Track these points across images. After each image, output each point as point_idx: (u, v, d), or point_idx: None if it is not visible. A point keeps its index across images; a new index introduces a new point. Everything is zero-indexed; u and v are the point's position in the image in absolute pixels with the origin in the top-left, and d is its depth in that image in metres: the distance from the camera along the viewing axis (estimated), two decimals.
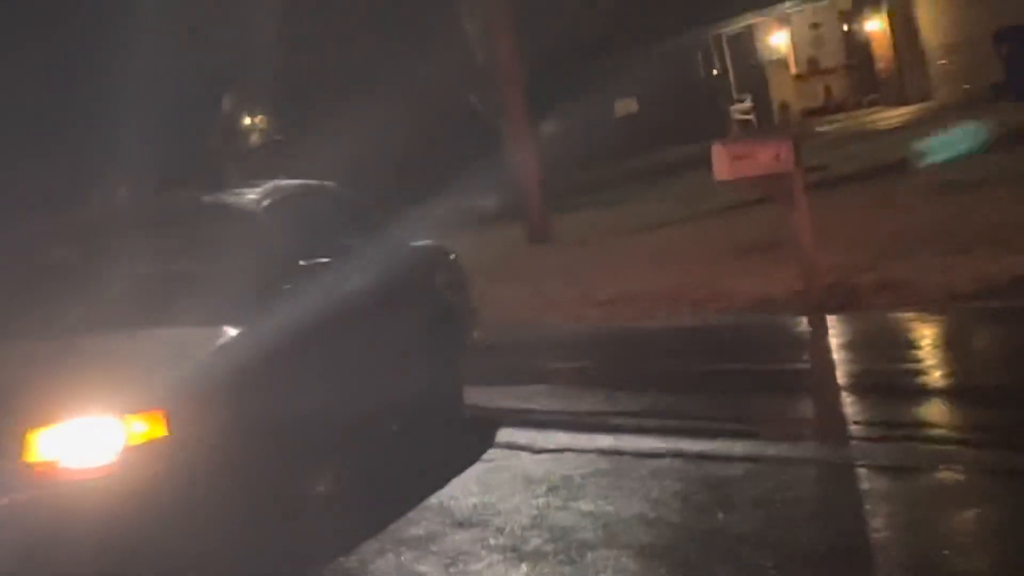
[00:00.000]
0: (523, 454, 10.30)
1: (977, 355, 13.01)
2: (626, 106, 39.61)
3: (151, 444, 7.74)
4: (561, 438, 10.69)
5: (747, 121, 41.52)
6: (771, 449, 9.98)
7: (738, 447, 10.01)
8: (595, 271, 19.02)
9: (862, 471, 9.22)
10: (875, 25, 40.79)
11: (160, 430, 7.73)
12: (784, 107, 42.15)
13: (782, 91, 42.67)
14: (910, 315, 14.21)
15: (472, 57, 29.56)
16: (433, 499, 9.24)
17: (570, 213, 29.04)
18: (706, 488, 9.06)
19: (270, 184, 11.67)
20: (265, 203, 10.85)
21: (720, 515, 8.29)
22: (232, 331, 8.82)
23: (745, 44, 44.70)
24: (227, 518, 8.25)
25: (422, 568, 8.06)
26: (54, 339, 8.98)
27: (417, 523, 8.86)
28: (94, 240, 10.89)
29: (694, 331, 15.54)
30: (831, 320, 14.35)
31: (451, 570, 7.83)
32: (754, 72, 43.96)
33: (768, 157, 16.51)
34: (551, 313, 17.44)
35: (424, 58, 35.22)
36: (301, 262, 9.89)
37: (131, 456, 7.65)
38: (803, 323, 14.64)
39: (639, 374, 13.48)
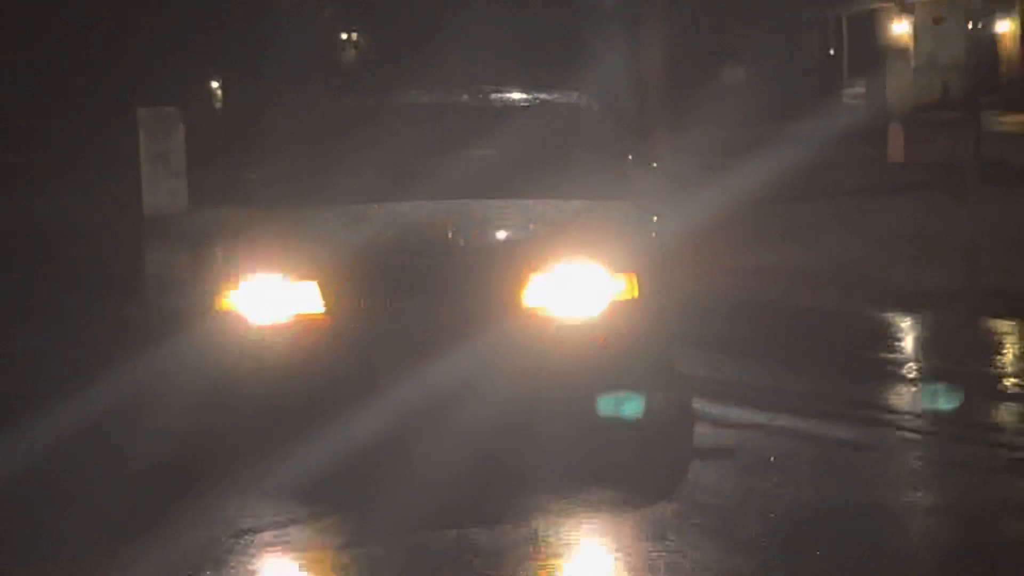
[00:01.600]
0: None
1: None
2: (734, 74, 38.96)
3: (625, 302, 8.86)
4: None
5: (856, 102, 41.16)
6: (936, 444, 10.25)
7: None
8: (725, 240, 17.88)
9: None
10: (1004, 27, 40.41)
11: (635, 287, 8.87)
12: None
13: (897, 82, 42.17)
14: None
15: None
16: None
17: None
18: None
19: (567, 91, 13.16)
20: (591, 103, 12.17)
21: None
22: (649, 210, 10.24)
23: (865, 28, 44.36)
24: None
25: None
26: (501, 200, 10.08)
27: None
28: (461, 120, 11.33)
29: (839, 315, 15.34)
30: (987, 322, 14.19)
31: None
32: (871, 58, 43.58)
33: (949, 143, 15.99)
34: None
35: None
36: (629, 156, 11.27)
37: (613, 304, 8.83)
38: (959, 322, 14.32)
39: (798, 352, 13.08)
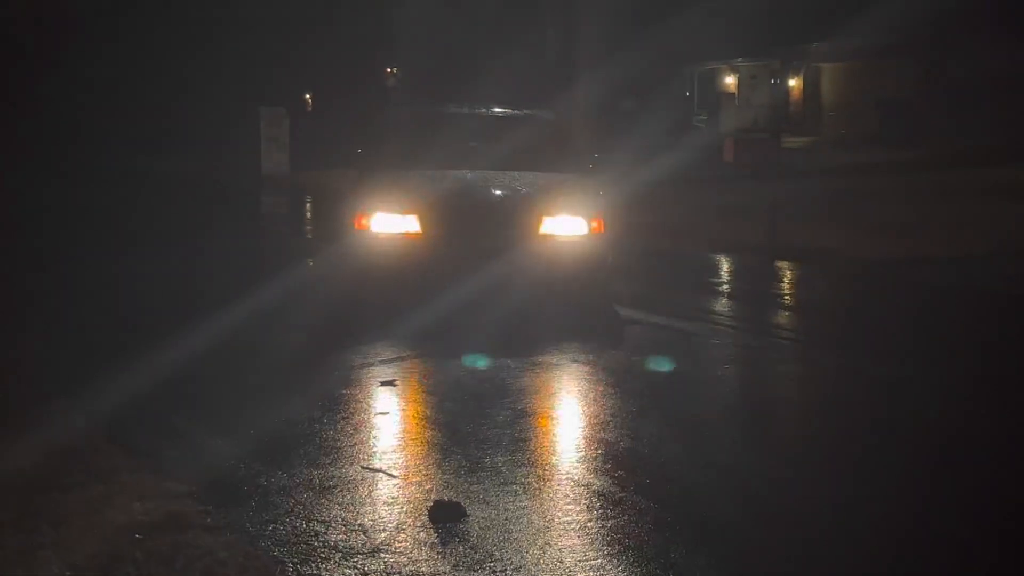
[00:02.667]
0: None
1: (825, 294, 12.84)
2: (630, 104, 38.96)
3: (598, 233, 9.71)
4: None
5: (700, 126, 41.60)
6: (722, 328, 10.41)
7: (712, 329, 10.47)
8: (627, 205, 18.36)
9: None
10: (793, 82, 40.86)
11: (600, 226, 9.69)
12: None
13: (727, 113, 42.62)
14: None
15: None
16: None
17: None
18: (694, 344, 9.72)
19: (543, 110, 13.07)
20: (560, 117, 13.23)
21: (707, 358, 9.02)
22: (603, 181, 10.86)
23: (708, 80, 44.63)
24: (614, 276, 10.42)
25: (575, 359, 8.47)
26: (512, 172, 10.34)
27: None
28: (472, 125, 11.54)
29: (688, 255, 15.30)
30: (777, 263, 14.21)
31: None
32: (711, 99, 43.97)
33: (760, 152, 16.72)
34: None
35: None
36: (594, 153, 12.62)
37: (590, 236, 9.63)
38: (760, 263, 14.37)
39: (662, 276, 13.59)
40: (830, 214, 17.51)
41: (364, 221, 9.49)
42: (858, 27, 33.43)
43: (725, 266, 14.36)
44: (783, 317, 11.34)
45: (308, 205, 25.29)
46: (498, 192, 9.90)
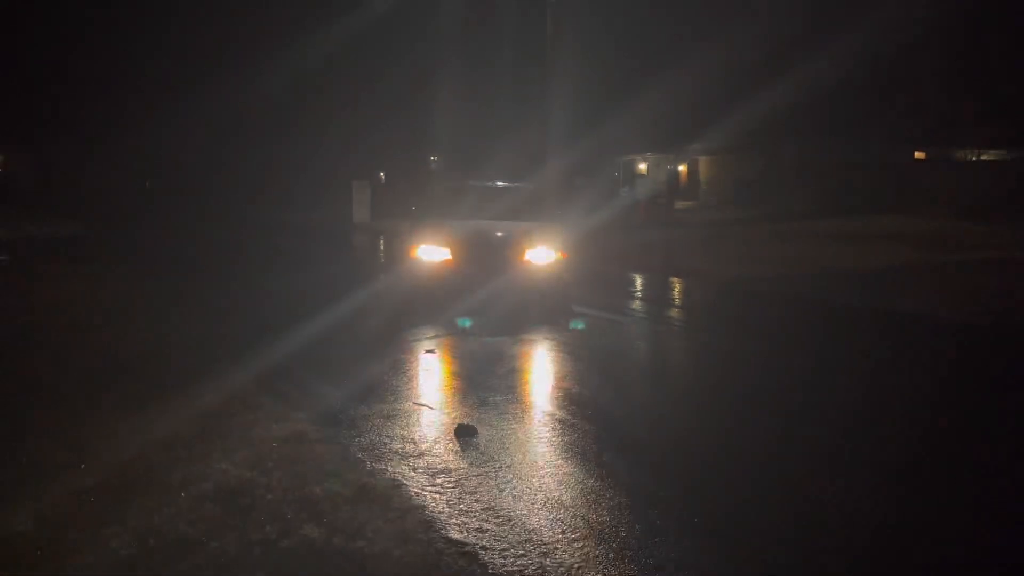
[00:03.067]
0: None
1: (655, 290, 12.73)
2: (581, 180, 38.19)
3: (562, 259, 9.38)
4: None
5: (624, 195, 41.45)
6: (638, 319, 10.28)
7: (631, 319, 10.34)
8: (574, 245, 18.21)
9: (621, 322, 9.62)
10: (681, 167, 40.72)
11: (562, 255, 9.40)
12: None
13: (640, 186, 42.37)
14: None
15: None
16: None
17: None
18: (624, 330, 9.49)
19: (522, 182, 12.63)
20: (535, 186, 12.64)
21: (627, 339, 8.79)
22: (564, 227, 10.13)
23: (629, 165, 44.40)
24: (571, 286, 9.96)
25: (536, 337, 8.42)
26: (507, 221, 9.94)
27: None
28: (484, 192, 11.22)
29: (615, 273, 14.48)
30: (672, 279, 13.76)
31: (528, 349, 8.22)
32: (630, 178, 43.72)
33: (660, 211, 16.76)
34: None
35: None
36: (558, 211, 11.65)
37: (556, 262, 9.32)
38: (661, 278, 14.00)
39: (597, 286, 13.01)
40: (703, 250, 17.28)
41: (415, 252, 9.37)
42: (720, 132, 33.68)
43: (639, 280, 13.95)
44: (674, 312, 11.06)
45: (382, 241, 25.38)
46: (499, 233, 9.66)
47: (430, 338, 8.21)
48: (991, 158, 25.29)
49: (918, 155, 27.13)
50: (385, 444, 4.98)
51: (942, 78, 20.96)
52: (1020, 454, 5.13)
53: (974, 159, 25.46)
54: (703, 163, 39.25)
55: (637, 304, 11.70)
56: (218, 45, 43.67)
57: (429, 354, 7.54)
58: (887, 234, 19.49)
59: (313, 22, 41.25)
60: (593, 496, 4.26)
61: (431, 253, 9.28)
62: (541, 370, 7.33)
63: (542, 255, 9.32)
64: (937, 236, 18.61)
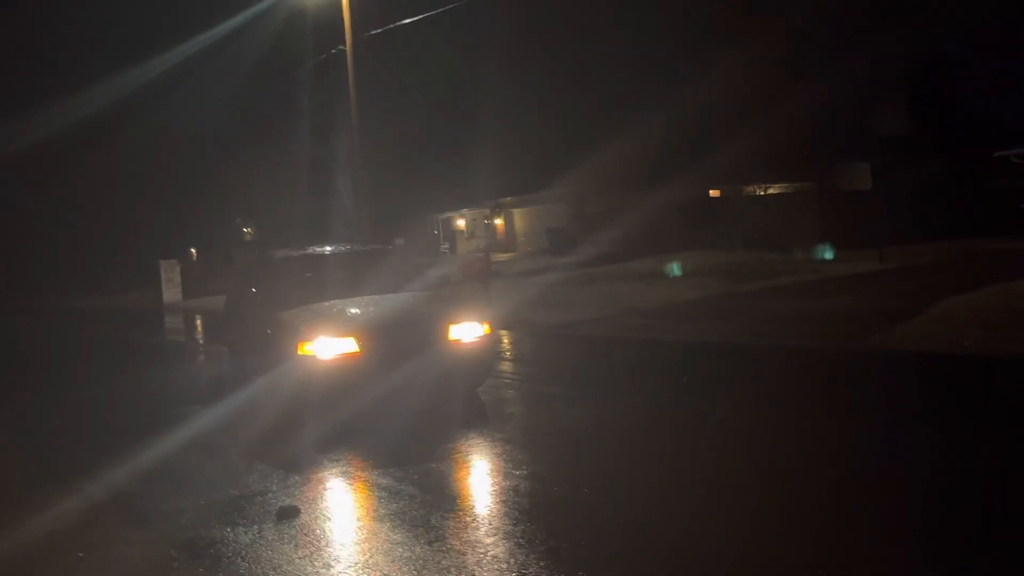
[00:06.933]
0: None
1: (546, 351, 12.68)
2: (399, 241, 37.92)
3: (488, 334, 8.01)
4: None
5: (446, 252, 41.94)
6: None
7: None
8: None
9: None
10: (498, 221, 41.70)
11: (487, 328, 7.98)
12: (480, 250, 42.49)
13: (461, 243, 43.26)
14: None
15: None
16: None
17: None
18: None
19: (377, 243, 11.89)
20: (390, 247, 11.35)
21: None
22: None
23: (448, 221, 45.00)
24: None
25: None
26: (387, 296, 8.36)
27: None
28: (340, 261, 9.40)
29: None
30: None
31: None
32: (450, 235, 44.36)
33: (478, 264, 17.09)
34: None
35: None
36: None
37: (485, 336, 7.93)
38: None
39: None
40: (524, 299, 17.40)
41: (305, 347, 7.41)
42: (533, 187, 34.93)
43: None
44: (505, 365, 10.46)
45: (197, 319, 24.38)
46: (416, 310, 8.24)
47: (328, 469, 6.22)
48: (777, 191, 27.60)
49: (713, 193, 29.15)
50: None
51: (731, 126, 22.80)
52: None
53: (762, 193, 27.67)
54: (518, 215, 40.40)
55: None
56: None
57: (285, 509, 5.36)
58: (690, 270, 20.71)
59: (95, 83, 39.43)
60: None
61: (329, 346, 7.33)
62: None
63: (469, 331, 7.92)
64: (735, 268, 19.99)
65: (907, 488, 4.88)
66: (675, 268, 20.52)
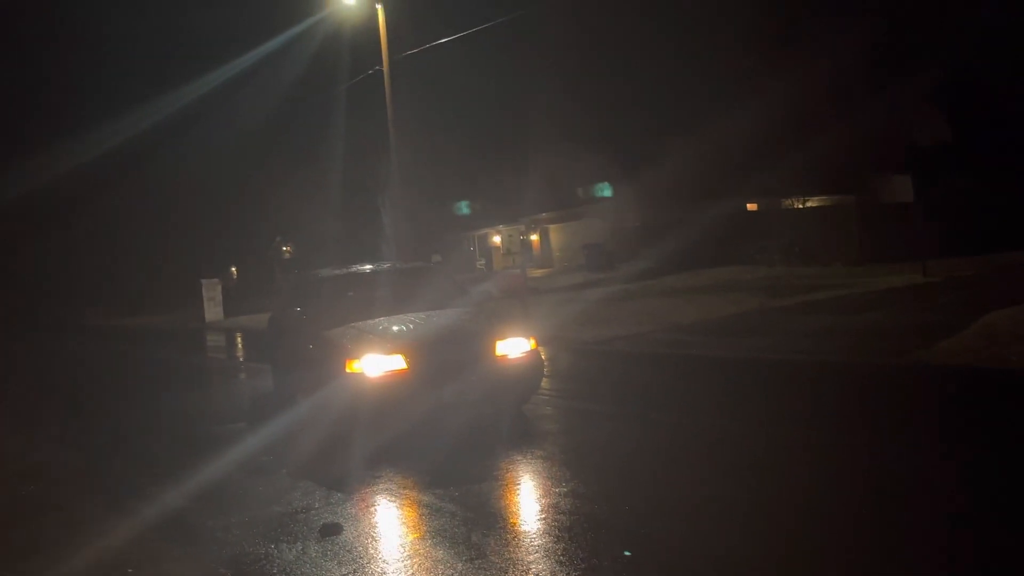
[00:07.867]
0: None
1: (586, 367, 12.53)
2: (436, 258, 37.71)
3: (534, 349, 7.86)
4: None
5: (482, 269, 42.00)
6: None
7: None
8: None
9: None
10: (534, 237, 41.72)
11: (534, 344, 7.88)
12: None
13: (497, 259, 43.32)
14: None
15: None
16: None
17: None
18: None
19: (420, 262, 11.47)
20: (432, 265, 11.01)
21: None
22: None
23: (484, 238, 45.11)
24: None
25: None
26: (432, 312, 8.29)
27: None
28: (383, 278, 9.43)
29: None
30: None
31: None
32: (486, 251, 44.45)
33: (515, 280, 17.11)
34: None
35: None
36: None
37: (532, 351, 7.81)
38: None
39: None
40: (562, 315, 17.34)
41: (353, 364, 7.33)
42: (561, 203, 34.95)
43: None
44: (543, 382, 10.08)
45: (238, 338, 24.68)
46: (463, 326, 8.23)
47: (372, 485, 6.18)
48: (815, 204, 27.28)
49: (751, 206, 28.90)
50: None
51: (770, 139, 22.63)
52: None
53: (800, 206, 27.36)
54: (554, 231, 40.42)
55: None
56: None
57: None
58: (727, 285, 20.51)
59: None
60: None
61: (377, 364, 7.21)
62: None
63: (516, 346, 7.76)
64: (774, 282, 19.77)
65: (973, 512, 4.74)
66: (700, 280, 20.25)
